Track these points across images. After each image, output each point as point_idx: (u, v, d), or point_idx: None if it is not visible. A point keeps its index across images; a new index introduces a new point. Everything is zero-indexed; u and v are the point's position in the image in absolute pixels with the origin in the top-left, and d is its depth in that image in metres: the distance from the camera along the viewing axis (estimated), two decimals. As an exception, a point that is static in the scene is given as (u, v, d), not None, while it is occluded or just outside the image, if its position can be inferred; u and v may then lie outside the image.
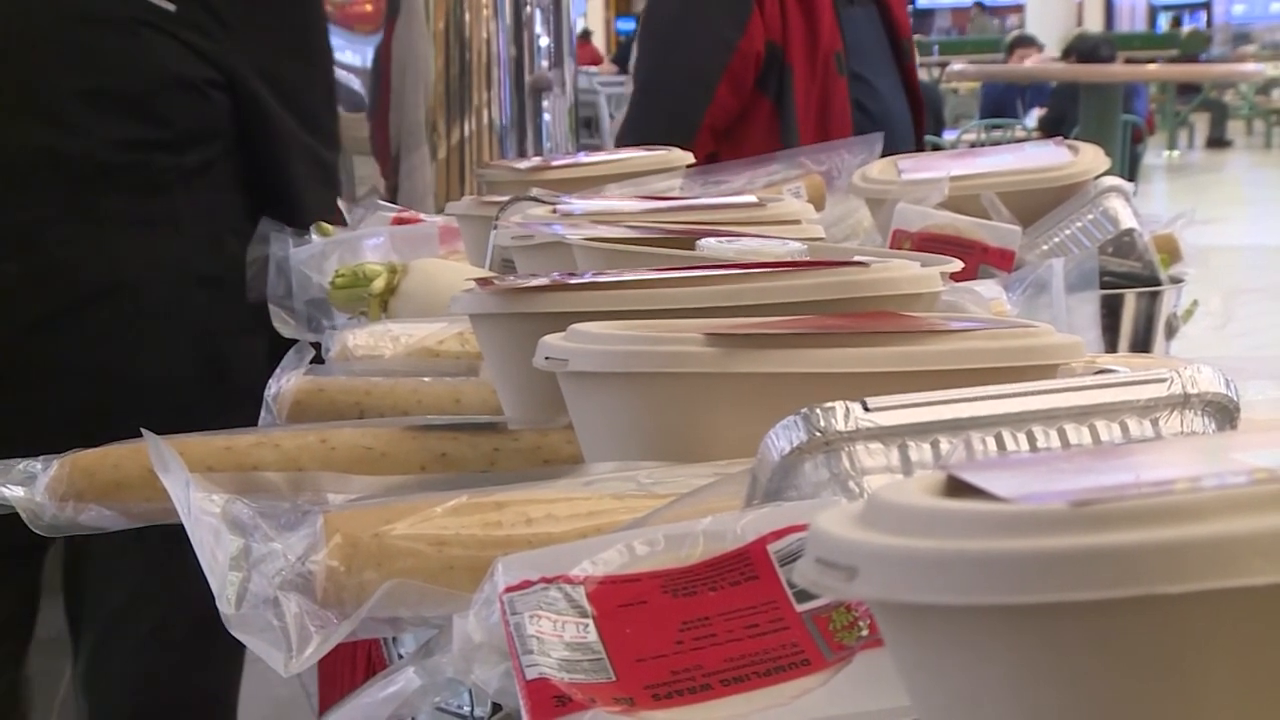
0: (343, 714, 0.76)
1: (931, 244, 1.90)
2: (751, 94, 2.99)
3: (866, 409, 0.81)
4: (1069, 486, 0.43)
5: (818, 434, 0.80)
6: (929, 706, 0.45)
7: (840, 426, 0.80)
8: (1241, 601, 0.40)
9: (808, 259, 1.18)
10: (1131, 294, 2.01)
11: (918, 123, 3.11)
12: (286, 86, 2.22)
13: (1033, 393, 0.83)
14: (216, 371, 2.20)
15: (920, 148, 3.14)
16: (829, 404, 0.81)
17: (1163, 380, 0.84)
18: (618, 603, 0.72)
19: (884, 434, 0.81)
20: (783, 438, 0.81)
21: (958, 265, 1.26)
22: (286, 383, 1.28)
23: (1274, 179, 16.99)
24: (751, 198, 1.77)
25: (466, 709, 1.07)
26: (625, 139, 3.13)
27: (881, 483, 0.80)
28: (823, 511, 0.47)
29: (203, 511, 0.83)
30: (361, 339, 1.46)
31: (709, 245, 1.31)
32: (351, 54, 5.19)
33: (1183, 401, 0.83)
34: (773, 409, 0.84)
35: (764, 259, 1.20)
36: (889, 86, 3.08)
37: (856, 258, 1.16)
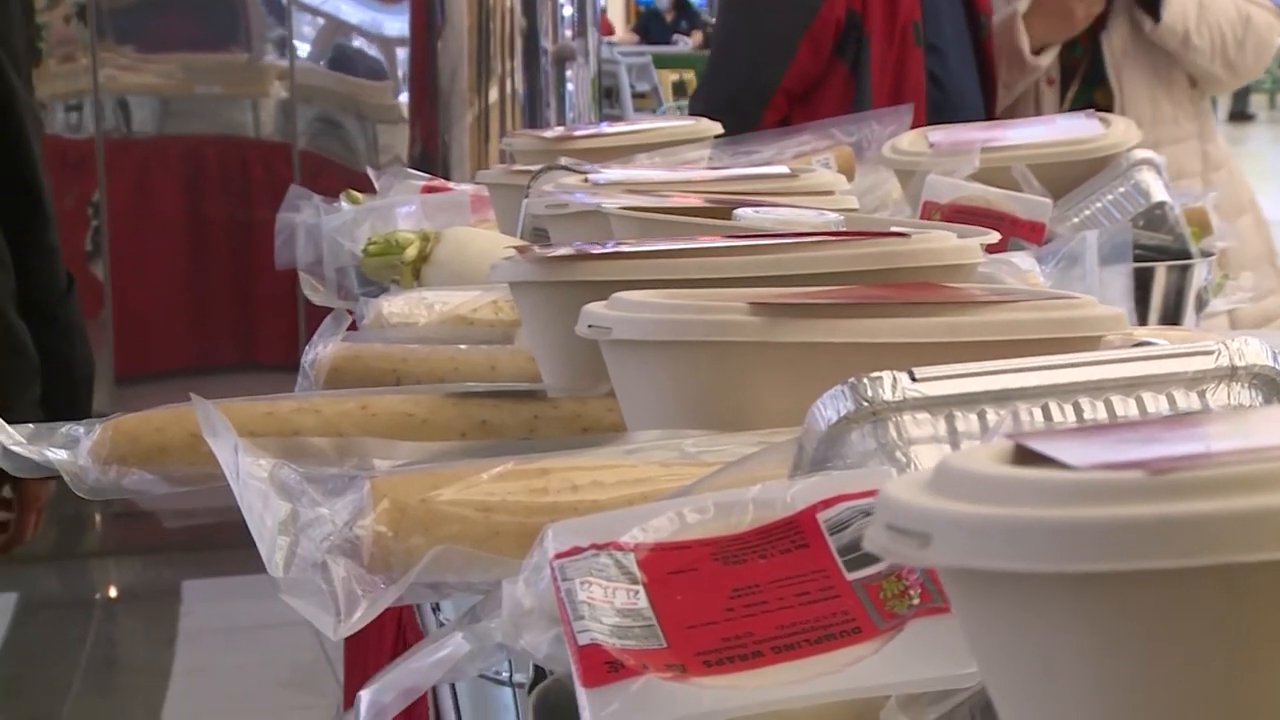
0: (392, 678, 0.77)
1: (962, 216, 1.90)
2: (829, 60, 2.98)
3: (914, 379, 0.81)
4: (1141, 455, 0.43)
5: (865, 404, 0.81)
6: (1000, 676, 0.45)
7: (887, 396, 0.81)
8: (1317, 571, 0.40)
9: (847, 229, 1.18)
10: (1162, 267, 2.01)
11: (989, 98, 3.10)
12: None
13: (1079, 364, 0.83)
14: None
15: None
16: (876, 374, 0.81)
17: (1210, 353, 0.84)
18: (668, 569, 0.73)
19: (931, 404, 0.81)
20: (830, 407, 0.81)
21: (995, 237, 1.26)
22: (323, 349, 1.29)
23: (1299, 152, 16.90)
24: (784, 168, 1.77)
25: (505, 675, 1.08)
26: (700, 98, 3.12)
27: (928, 453, 0.80)
28: (891, 479, 0.47)
29: (250, 476, 0.84)
30: (396, 306, 1.47)
31: (746, 215, 1.31)
32: (372, 22, 5.18)
33: (1230, 374, 0.83)
34: (817, 379, 0.84)
35: (803, 229, 1.20)
36: (962, 61, 3.07)
37: (895, 229, 1.16)
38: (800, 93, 2.99)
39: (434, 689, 1.37)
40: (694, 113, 3.13)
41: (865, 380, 0.81)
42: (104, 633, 4.44)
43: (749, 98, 2.92)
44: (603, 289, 1.02)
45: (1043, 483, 0.42)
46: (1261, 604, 0.40)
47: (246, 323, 4.98)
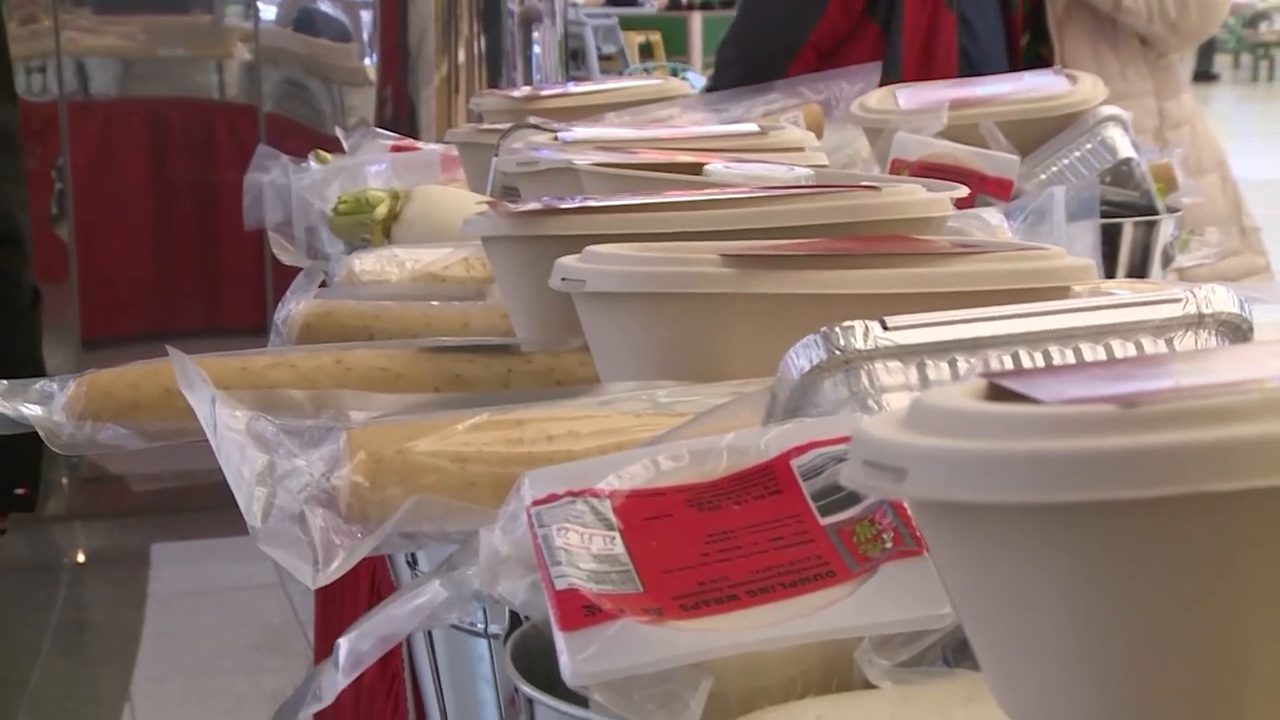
0: (369, 627, 0.77)
1: (930, 173, 1.91)
2: (860, 18, 2.97)
3: (885, 328, 0.82)
4: (1112, 391, 0.44)
5: (837, 352, 0.81)
6: (975, 610, 0.46)
7: (860, 345, 0.81)
8: (1285, 501, 0.41)
9: (817, 183, 1.19)
10: (1129, 223, 2.02)
11: (1014, 69, 3.09)
12: None
13: (1049, 312, 0.84)
14: None
15: None
16: (848, 323, 0.82)
17: (1177, 300, 0.85)
18: (644, 516, 0.73)
19: (903, 353, 0.82)
20: (803, 356, 0.82)
21: (964, 191, 1.27)
22: (296, 306, 1.29)
23: (1261, 113, 16.98)
24: (753, 126, 1.77)
25: (480, 626, 1.08)
26: (728, 50, 3.10)
27: (900, 401, 0.81)
28: (866, 418, 0.48)
29: (227, 428, 0.84)
30: (368, 264, 1.47)
31: (716, 170, 1.31)
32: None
33: (1197, 321, 0.84)
34: (788, 330, 0.85)
35: (773, 183, 1.21)
36: (991, 32, 3.06)
37: (865, 182, 1.17)
38: (829, 49, 2.97)
39: (409, 644, 1.38)
40: (720, 65, 3.11)
41: (837, 329, 0.82)
42: (73, 596, 4.43)
43: (776, 51, 2.90)
44: (575, 243, 1.02)
45: (1016, 417, 0.43)
46: (1232, 532, 0.41)
47: (212, 286, 4.97)
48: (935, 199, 1.09)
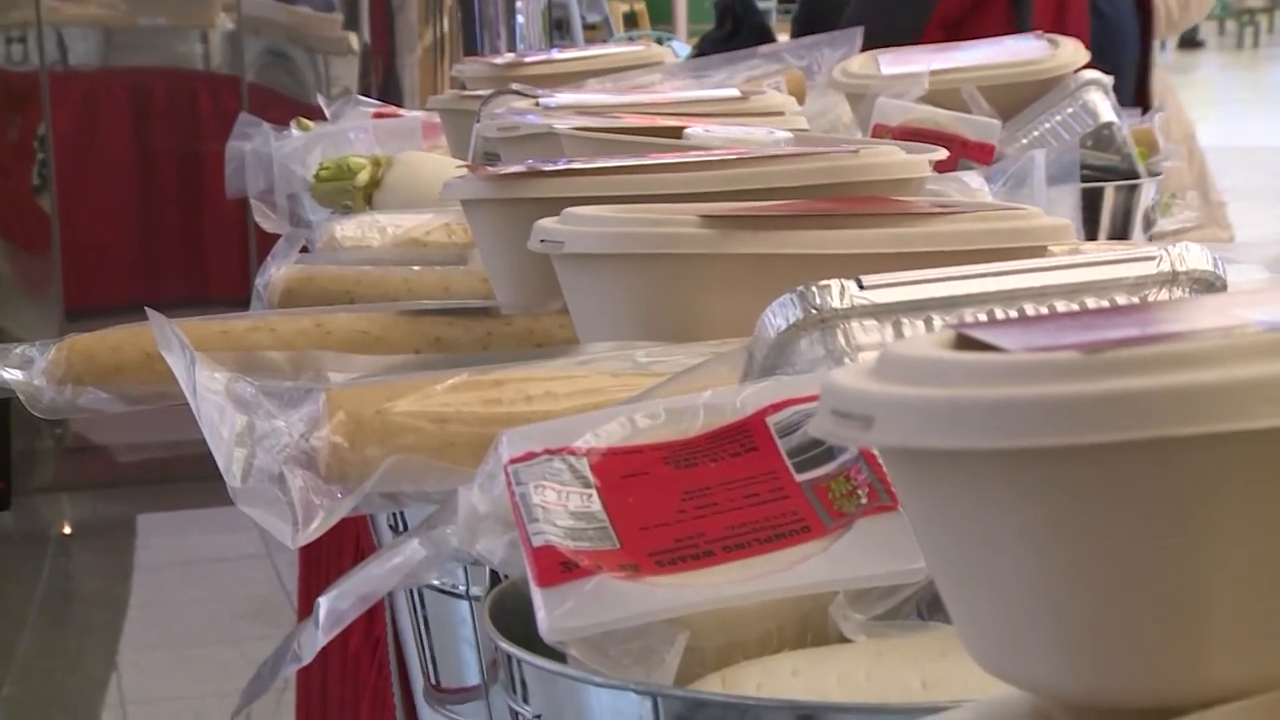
0: (349, 586, 0.78)
1: (911, 138, 1.91)
2: None
3: (861, 287, 0.82)
4: (1078, 339, 0.44)
5: (814, 311, 0.82)
6: (943, 558, 0.46)
7: (836, 304, 0.82)
8: (1249, 445, 0.41)
9: (796, 146, 1.19)
10: (1110, 187, 2.02)
11: (1145, 34, 3.07)
12: None
13: (1024, 270, 0.84)
14: None
15: (1146, 60, 3.10)
16: (825, 282, 0.82)
17: (1152, 258, 0.85)
18: (620, 474, 0.74)
19: (878, 311, 0.82)
20: (779, 315, 0.82)
21: (943, 153, 1.27)
22: (276, 271, 1.29)
23: (1246, 80, 16.98)
24: (734, 91, 1.77)
25: (462, 588, 1.09)
26: (851, 23, 3.04)
27: (876, 359, 0.81)
28: (836, 370, 0.48)
29: (206, 390, 0.84)
30: (349, 230, 1.47)
31: (696, 134, 1.32)
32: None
33: (1171, 279, 0.85)
34: (766, 290, 0.85)
35: (752, 146, 1.21)
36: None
37: (844, 145, 1.17)
38: (955, 21, 2.93)
39: (392, 608, 1.38)
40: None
41: (814, 288, 0.82)
42: (59, 567, 4.44)
43: (903, 24, 2.85)
44: (554, 205, 1.02)
45: (981, 365, 0.43)
46: (1196, 477, 0.42)
47: (196, 257, 4.96)
48: (913, 161, 1.09)
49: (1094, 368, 0.41)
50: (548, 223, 0.99)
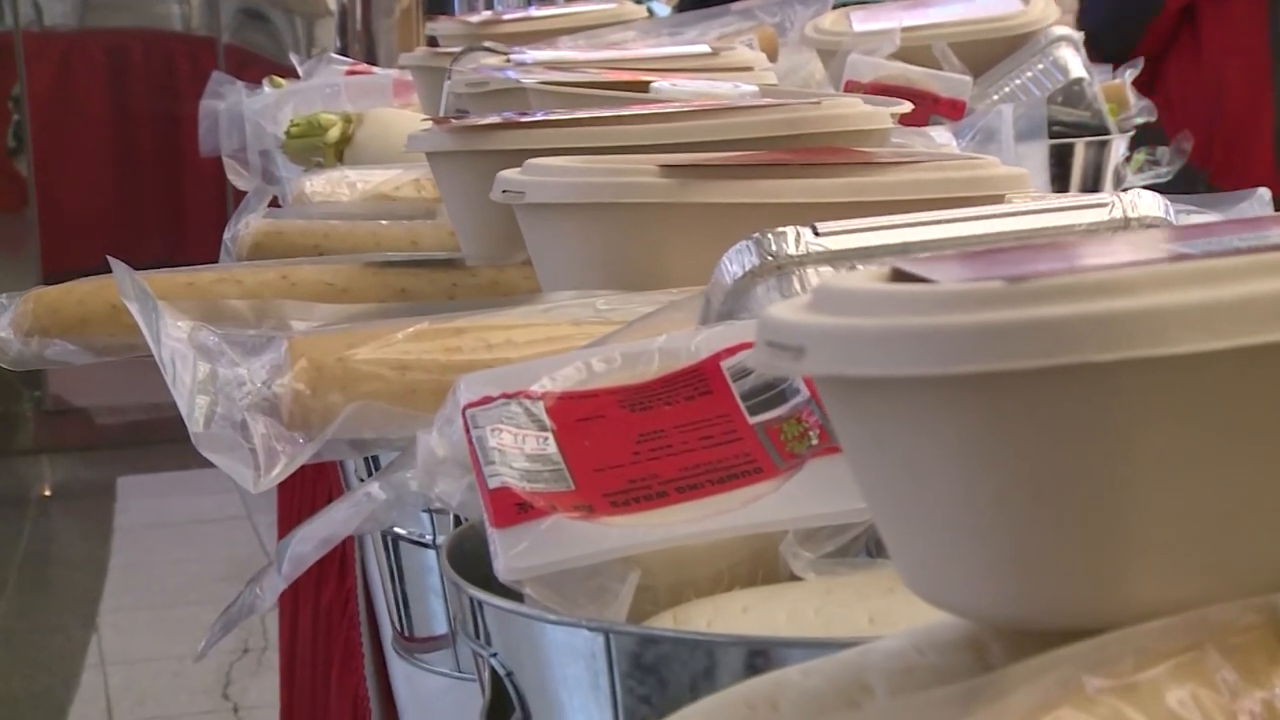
0: (309, 530, 0.79)
1: (883, 94, 1.91)
2: None
3: (816, 234, 0.83)
4: (1005, 271, 0.45)
5: (769, 258, 0.83)
6: (874, 482, 0.47)
7: (791, 250, 0.83)
8: (1168, 371, 0.42)
9: (758, 98, 1.20)
10: (1081, 143, 2.03)
11: None
12: None
13: (977, 218, 0.85)
14: None
15: None
16: (780, 229, 0.83)
17: (1104, 205, 0.86)
18: (576, 417, 0.75)
19: (833, 258, 0.83)
20: (735, 262, 0.83)
21: (906, 106, 1.28)
22: (245, 226, 1.30)
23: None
24: (705, 47, 1.77)
25: (429, 537, 1.10)
26: (1087, 14, 2.96)
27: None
28: (774, 304, 0.49)
29: (169, 338, 0.85)
30: (319, 185, 1.48)
31: (662, 88, 1.32)
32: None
33: (1123, 225, 0.86)
34: (725, 238, 0.86)
35: (717, 100, 1.22)
36: None
37: (807, 97, 1.18)
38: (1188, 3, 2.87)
39: (363, 560, 1.39)
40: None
41: (770, 235, 0.83)
42: (39, 529, 4.44)
43: (1137, 13, 2.80)
44: (517, 157, 1.03)
45: (909, 295, 0.44)
46: (1117, 402, 0.43)
47: (174, 216, 4.96)
48: (874, 112, 1.10)
49: (1017, 296, 0.42)
50: (510, 174, 0.99)
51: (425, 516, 1.09)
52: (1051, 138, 1.96)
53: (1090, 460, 0.43)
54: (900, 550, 0.48)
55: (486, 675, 0.72)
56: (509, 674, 0.70)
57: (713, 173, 0.95)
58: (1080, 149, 2.05)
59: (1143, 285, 0.42)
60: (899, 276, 0.48)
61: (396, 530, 1.12)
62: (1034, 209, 0.86)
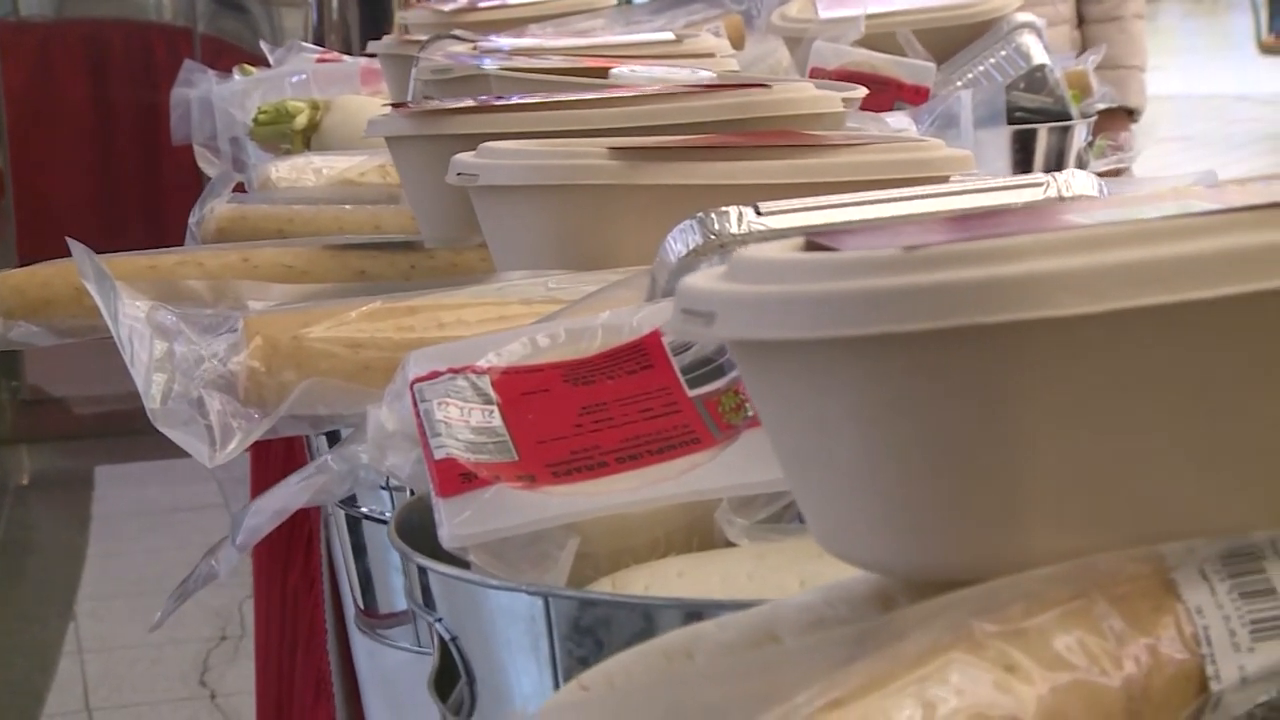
0: (263, 502, 0.81)
1: (848, 81, 1.93)
2: None
3: (759, 213, 0.85)
4: (906, 240, 0.47)
5: (713, 237, 0.85)
6: (783, 440, 0.49)
7: (734, 229, 0.85)
8: (1055, 333, 0.44)
9: (711, 82, 1.22)
10: (1043, 129, 2.05)
11: None
12: None
13: (915, 197, 0.87)
14: None
15: None
16: (724, 208, 0.85)
17: (1039, 184, 0.89)
18: (521, 391, 0.77)
19: (775, 237, 0.85)
20: (680, 241, 0.85)
21: (861, 91, 1.30)
22: (210, 211, 1.32)
23: (1207, 28, 17.01)
24: (669, 34, 1.80)
25: (389, 514, 1.12)
26: None
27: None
28: (693, 274, 0.51)
29: (128, 317, 0.87)
30: (284, 171, 1.50)
31: (621, 74, 1.34)
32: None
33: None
34: (673, 220, 0.88)
35: (673, 85, 1.24)
36: None
37: (759, 82, 1.20)
38: None
39: (327, 539, 1.42)
40: None
41: (713, 215, 0.85)
42: (17, 518, 4.45)
43: None
44: (473, 141, 1.05)
45: (813, 263, 0.46)
46: (1006, 363, 0.45)
47: (153, 206, 4.97)
48: (824, 96, 1.12)
49: (910, 263, 0.45)
50: (464, 157, 1.02)
51: (386, 494, 1.12)
52: (1015, 123, 1.99)
53: (980, 418, 0.46)
54: (811, 508, 0.50)
55: (436, 642, 0.74)
56: (454, 638, 0.72)
57: (662, 155, 0.97)
58: (1043, 134, 2.07)
59: (1029, 252, 0.44)
60: (810, 247, 0.50)
61: (361, 509, 1.14)
62: (971, 189, 0.88)
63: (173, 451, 0.88)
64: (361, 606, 1.20)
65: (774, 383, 0.48)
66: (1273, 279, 0.44)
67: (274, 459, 1.83)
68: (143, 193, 4.96)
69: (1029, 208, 0.80)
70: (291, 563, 1.58)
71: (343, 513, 1.18)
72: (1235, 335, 0.45)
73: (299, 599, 1.53)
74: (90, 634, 3.63)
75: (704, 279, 0.49)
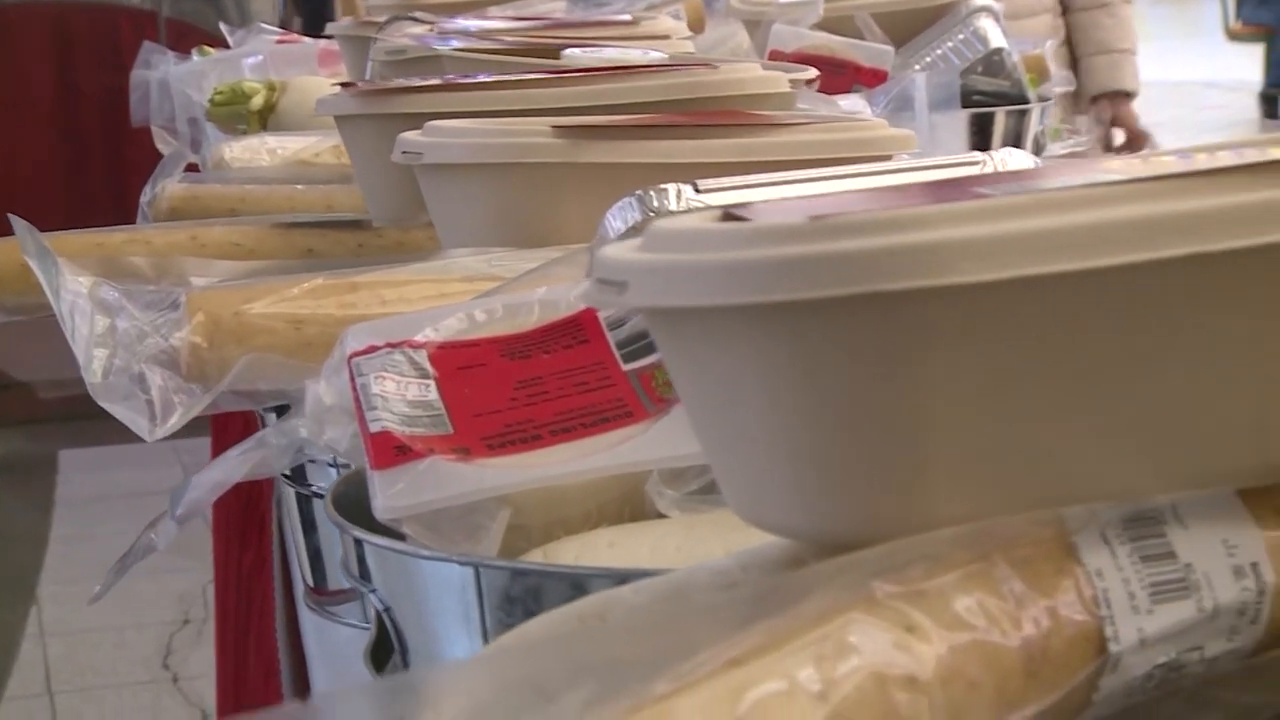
0: (204, 476, 0.81)
1: (806, 64, 1.94)
2: None
3: (698, 190, 0.86)
4: (816, 210, 0.48)
5: (651, 214, 0.85)
6: (695, 405, 0.50)
7: (672, 207, 0.85)
8: (957, 300, 0.45)
9: (661, 63, 1.22)
10: (1001, 112, 2.06)
11: None
12: None
13: (853, 175, 0.88)
14: None
15: None
16: (663, 186, 0.86)
17: (976, 163, 0.89)
18: (457, 365, 0.77)
19: (713, 213, 0.86)
20: (619, 217, 0.86)
21: (811, 72, 1.31)
22: (161, 190, 1.32)
23: (1176, 15, 17.07)
24: (626, 16, 1.80)
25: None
26: None
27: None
28: (610, 244, 0.52)
29: (68, 291, 0.87)
30: (238, 151, 1.50)
31: (573, 55, 1.35)
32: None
33: (993, 182, 0.89)
34: (617, 198, 0.89)
35: (620, 65, 1.24)
36: None
37: (706, 63, 1.21)
38: None
39: (278, 513, 1.42)
40: None
41: (652, 192, 0.86)
42: None
43: None
44: (421, 120, 1.06)
45: (722, 233, 0.47)
46: (909, 329, 0.46)
47: (118, 189, 4.95)
48: (769, 77, 1.13)
49: (815, 232, 0.45)
50: (409, 135, 1.02)
51: (334, 471, 1.12)
52: (972, 107, 2.00)
53: (885, 384, 0.46)
54: (723, 474, 0.51)
55: (372, 614, 0.75)
56: (388, 609, 0.73)
57: (605, 134, 0.98)
58: (1000, 118, 2.08)
59: (932, 221, 0.45)
60: (727, 218, 0.51)
61: (311, 486, 1.15)
62: (909, 166, 0.89)
63: (137, 436, 0.88)
64: (310, 584, 1.21)
65: (686, 351, 0.49)
66: (1166, 248, 0.44)
67: (234, 440, 1.83)
68: (108, 174, 4.95)
69: (945, 182, 0.81)
70: (247, 543, 1.58)
71: (292, 491, 1.18)
72: (1134, 303, 0.46)
73: (253, 579, 1.54)
74: (53, 618, 3.62)
75: (619, 249, 0.50)
